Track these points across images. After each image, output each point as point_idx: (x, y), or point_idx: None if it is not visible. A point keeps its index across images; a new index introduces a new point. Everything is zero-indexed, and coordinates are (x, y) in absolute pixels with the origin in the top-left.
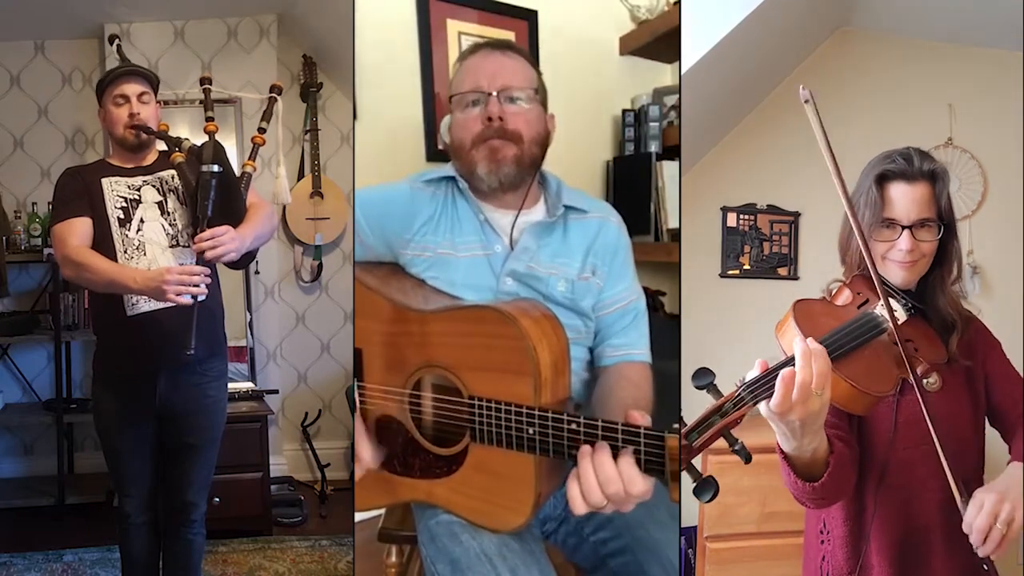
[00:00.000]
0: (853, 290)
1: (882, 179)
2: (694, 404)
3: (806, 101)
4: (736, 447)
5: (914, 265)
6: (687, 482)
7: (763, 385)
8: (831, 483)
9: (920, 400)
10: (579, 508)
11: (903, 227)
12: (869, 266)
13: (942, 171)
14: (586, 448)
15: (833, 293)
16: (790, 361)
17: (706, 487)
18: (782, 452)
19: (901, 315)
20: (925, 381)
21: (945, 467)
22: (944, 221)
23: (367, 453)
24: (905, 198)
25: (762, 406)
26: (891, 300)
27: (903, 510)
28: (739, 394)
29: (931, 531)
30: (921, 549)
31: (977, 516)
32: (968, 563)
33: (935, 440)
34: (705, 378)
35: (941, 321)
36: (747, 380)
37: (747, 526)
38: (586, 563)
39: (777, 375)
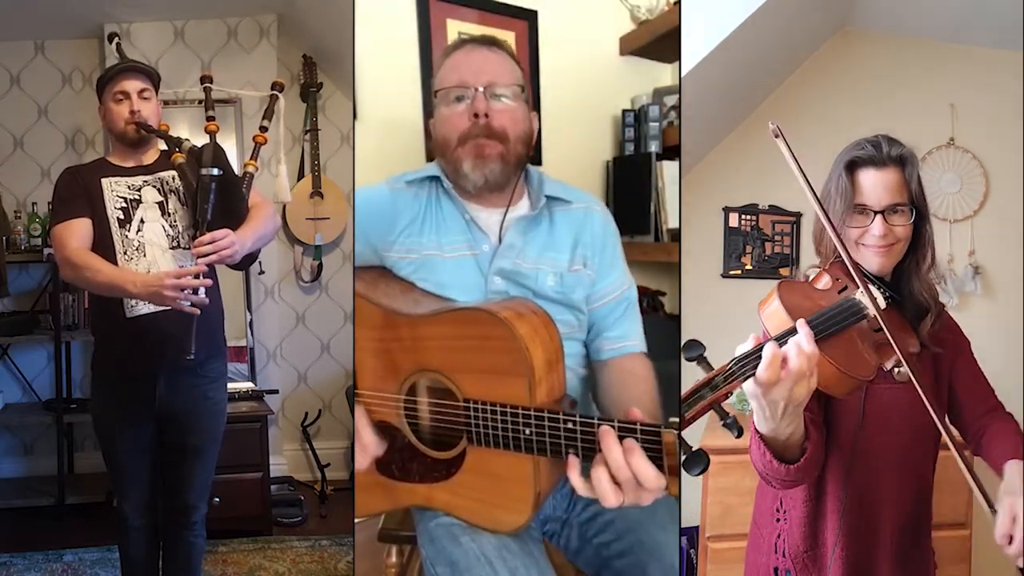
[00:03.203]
0: (832, 275)
1: (852, 166)
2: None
3: (776, 136)
4: (727, 421)
5: (889, 250)
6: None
7: (754, 360)
8: (805, 467)
9: (912, 377)
10: (607, 501)
11: (875, 212)
12: (844, 256)
13: (910, 155)
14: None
15: (811, 278)
16: (781, 338)
17: (696, 460)
18: (757, 432)
19: (880, 303)
20: (897, 371)
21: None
22: (916, 205)
23: (370, 441)
24: (875, 184)
25: (748, 383)
26: (871, 287)
27: (860, 494)
28: (730, 368)
29: (884, 517)
30: (874, 532)
31: (1012, 526)
32: (916, 546)
33: (932, 414)
34: (695, 350)
35: (915, 307)
36: (738, 355)
37: (748, 526)
38: (589, 567)
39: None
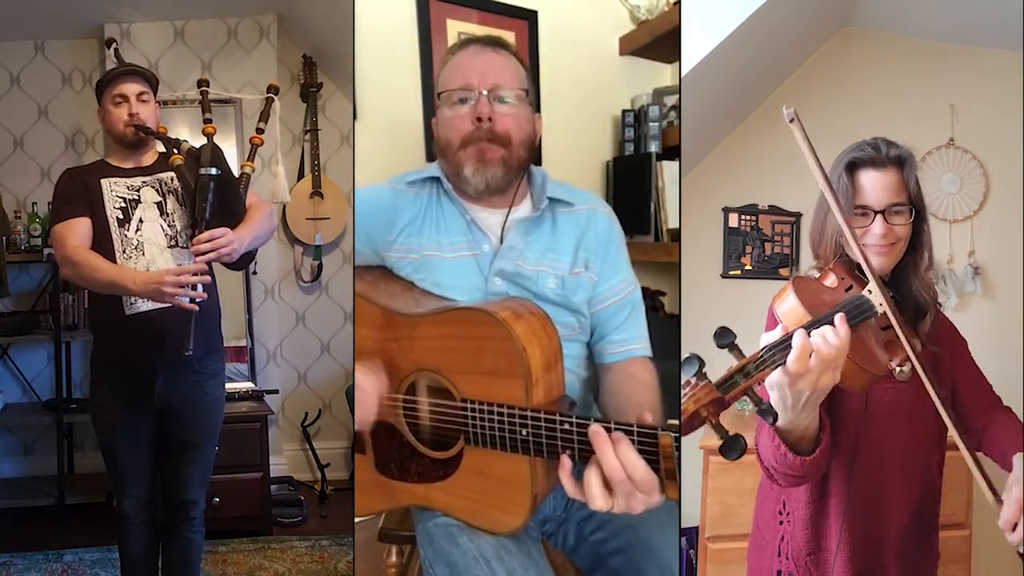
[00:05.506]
0: (837, 275)
1: (852, 167)
2: None
3: (791, 120)
4: (763, 407)
5: (890, 250)
6: (715, 440)
7: (784, 348)
8: (820, 459)
9: (919, 370)
10: (595, 503)
11: (875, 212)
12: (857, 252)
13: (908, 156)
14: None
15: (818, 276)
16: (808, 329)
17: (734, 445)
18: (770, 425)
19: (885, 304)
20: (899, 370)
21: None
22: (915, 205)
23: (368, 381)
24: (875, 184)
25: (774, 373)
26: (877, 286)
27: (864, 495)
28: (761, 355)
29: (888, 517)
30: (877, 533)
31: (1017, 513)
32: (919, 546)
33: (940, 410)
34: (726, 337)
35: (914, 306)
36: (769, 343)
37: (748, 527)
38: (585, 563)
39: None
